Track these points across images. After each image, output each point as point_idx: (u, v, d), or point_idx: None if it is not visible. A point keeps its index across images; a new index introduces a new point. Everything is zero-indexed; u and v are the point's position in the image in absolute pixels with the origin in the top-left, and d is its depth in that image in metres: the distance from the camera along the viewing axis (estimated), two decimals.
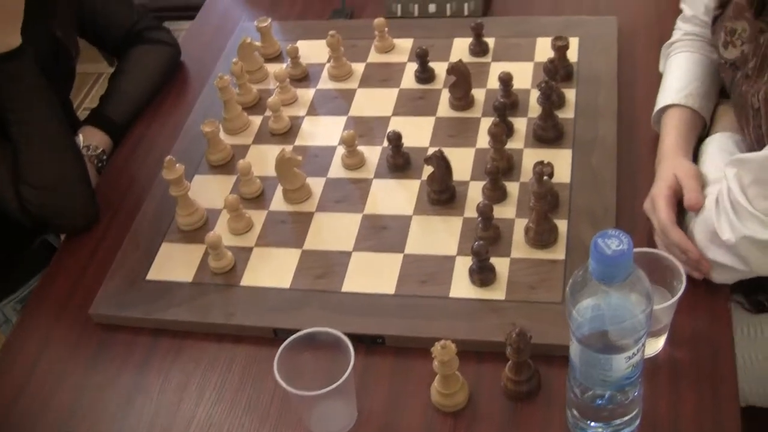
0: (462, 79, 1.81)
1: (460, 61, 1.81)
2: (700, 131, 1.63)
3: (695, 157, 1.57)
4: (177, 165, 1.68)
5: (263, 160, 1.83)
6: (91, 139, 1.97)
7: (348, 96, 1.95)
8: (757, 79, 1.43)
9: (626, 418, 1.26)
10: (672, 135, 1.59)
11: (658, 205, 1.47)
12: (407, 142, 1.74)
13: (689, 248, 1.41)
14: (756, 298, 1.62)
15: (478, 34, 1.96)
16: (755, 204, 1.33)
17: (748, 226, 1.34)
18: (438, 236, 1.62)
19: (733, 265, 1.40)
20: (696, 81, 1.65)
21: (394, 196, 1.71)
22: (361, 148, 1.78)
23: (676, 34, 1.77)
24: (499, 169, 1.63)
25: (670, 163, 1.53)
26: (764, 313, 1.63)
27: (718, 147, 1.54)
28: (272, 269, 1.63)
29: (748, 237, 1.34)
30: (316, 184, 1.75)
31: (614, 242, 1.07)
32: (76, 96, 4.06)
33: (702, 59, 1.69)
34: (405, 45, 2.05)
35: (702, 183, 1.47)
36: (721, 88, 1.66)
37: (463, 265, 1.54)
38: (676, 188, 1.48)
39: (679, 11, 1.80)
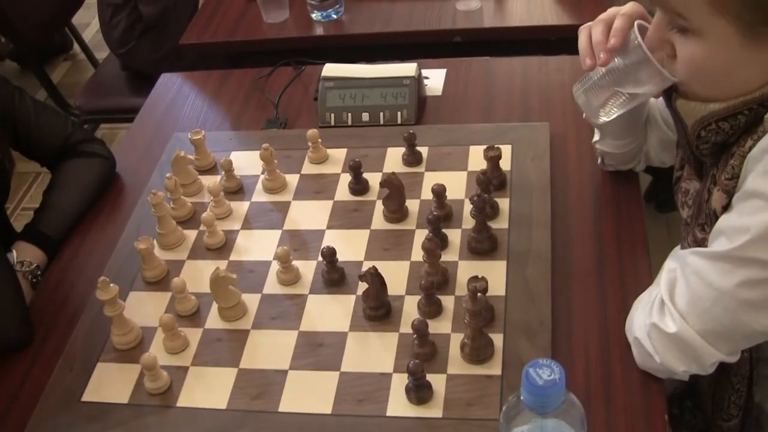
0: (395, 192, 1.83)
1: (393, 174, 1.82)
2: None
3: None
4: (111, 285, 1.67)
5: (198, 276, 1.82)
6: (25, 255, 1.95)
7: (282, 208, 1.95)
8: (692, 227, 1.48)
9: None
10: None
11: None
12: (342, 256, 1.75)
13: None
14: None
15: (411, 144, 1.98)
16: (676, 300, 1.38)
17: (660, 317, 1.40)
18: (374, 353, 1.61)
19: (647, 347, 1.44)
20: None
21: (329, 312, 1.70)
22: (296, 262, 1.78)
23: None
24: (433, 284, 1.63)
25: None
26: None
27: None
28: (208, 389, 1.61)
29: (657, 326, 1.40)
30: (252, 301, 1.75)
31: (546, 372, 1.08)
32: (14, 195, 4.04)
33: None
34: (339, 155, 2.06)
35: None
36: None
37: (400, 382, 1.54)
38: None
39: None
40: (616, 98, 1.52)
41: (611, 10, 1.51)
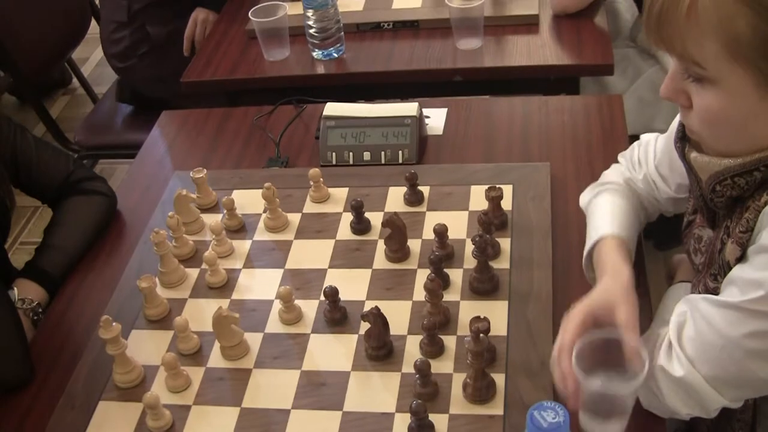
0: (397, 232, 1.83)
1: (395, 214, 1.83)
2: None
3: None
4: (114, 324, 1.68)
5: (200, 314, 1.82)
6: (26, 293, 1.96)
7: (284, 247, 1.96)
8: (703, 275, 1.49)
9: None
10: (612, 255, 1.58)
11: (569, 322, 1.46)
12: (344, 295, 1.75)
13: (567, 383, 1.41)
14: None
15: (412, 184, 1.99)
16: (684, 344, 1.38)
17: (667, 359, 1.40)
18: (376, 393, 1.62)
19: (652, 388, 1.44)
20: (624, 218, 1.67)
21: (332, 352, 1.71)
22: (298, 302, 1.79)
23: (613, 176, 1.79)
24: (435, 325, 1.64)
25: (609, 282, 1.53)
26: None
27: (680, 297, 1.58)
28: (211, 428, 1.61)
29: (664, 369, 1.39)
30: (254, 340, 1.75)
31: (550, 414, 1.09)
32: (12, 229, 4.04)
33: (630, 206, 1.72)
34: (340, 195, 2.07)
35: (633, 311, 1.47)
36: None
37: (403, 422, 1.54)
38: (599, 314, 1.47)
39: (615, 158, 1.83)
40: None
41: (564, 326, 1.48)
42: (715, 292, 1.40)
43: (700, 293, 1.46)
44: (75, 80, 4.38)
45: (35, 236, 4.01)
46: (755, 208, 1.33)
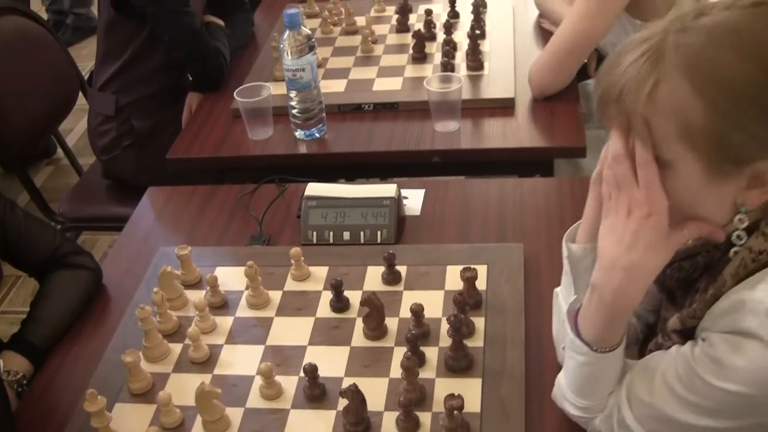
0: (375, 311, 1.89)
1: (374, 293, 1.89)
2: None
3: None
4: (99, 397, 1.72)
5: (183, 389, 1.86)
6: (12, 364, 1.99)
7: (266, 324, 2.01)
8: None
9: None
10: None
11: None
12: (323, 372, 1.80)
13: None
14: None
15: (390, 264, 2.05)
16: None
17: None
18: None
19: None
20: None
21: (311, 427, 1.75)
22: (278, 377, 1.83)
23: None
24: (411, 402, 1.69)
25: None
26: None
27: None
28: None
29: None
30: (235, 415, 1.79)
31: None
32: None
33: None
34: (321, 273, 2.13)
35: None
36: None
37: None
38: None
39: None
40: None
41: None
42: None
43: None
44: (59, 150, 4.43)
45: (17, 305, 4.04)
46: (702, 300, 1.40)
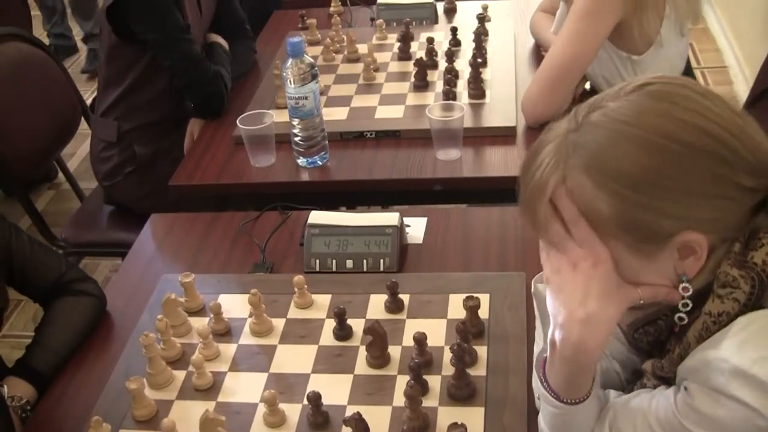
0: (378, 339, 1.90)
1: (377, 322, 1.90)
2: None
3: None
4: (104, 424, 1.73)
5: (187, 416, 1.87)
6: (16, 390, 2.01)
7: (269, 352, 2.02)
8: None
9: None
10: None
11: None
12: (326, 400, 1.81)
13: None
14: None
15: (393, 293, 2.07)
16: None
17: None
18: None
19: None
20: None
21: None
22: (282, 405, 1.84)
23: None
24: (414, 430, 1.70)
25: None
26: None
27: None
28: None
29: None
30: None
31: None
32: None
33: None
34: (324, 301, 2.14)
35: None
36: None
37: None
38: None
39: None
40: None
41: None
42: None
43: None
44: (60, 175, 4.44)
45: (18, 329, 4.04)
46: (669, 359, 1.44)
